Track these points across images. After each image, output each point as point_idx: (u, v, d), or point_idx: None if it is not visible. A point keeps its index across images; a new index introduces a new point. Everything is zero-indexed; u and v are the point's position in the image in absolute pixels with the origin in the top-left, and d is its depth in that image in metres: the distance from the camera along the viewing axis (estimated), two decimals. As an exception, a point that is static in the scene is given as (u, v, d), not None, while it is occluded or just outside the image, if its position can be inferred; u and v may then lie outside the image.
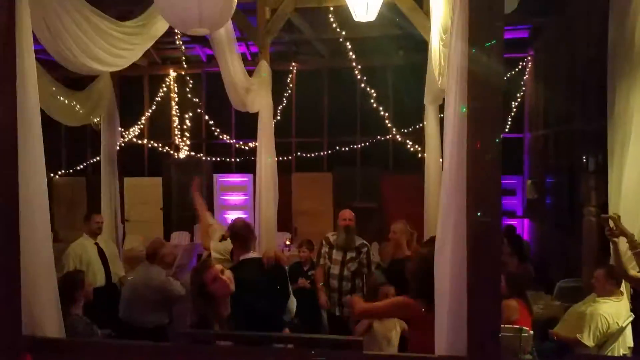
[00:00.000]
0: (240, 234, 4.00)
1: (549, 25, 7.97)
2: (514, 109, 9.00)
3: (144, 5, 5.55)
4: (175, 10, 2.26)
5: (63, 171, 10.28)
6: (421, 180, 6.45)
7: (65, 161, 10.52)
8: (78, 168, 10.34)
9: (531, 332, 3.66)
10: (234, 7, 2.50)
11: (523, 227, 9.29)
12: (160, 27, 3.05)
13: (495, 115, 2.22)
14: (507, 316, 3.72)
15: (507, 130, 8.83)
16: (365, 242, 5.21)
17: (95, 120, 6.86)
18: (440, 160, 6.03)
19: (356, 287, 5.11)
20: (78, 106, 6.38)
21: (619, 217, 3.50)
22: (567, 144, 7.34)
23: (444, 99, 5.63)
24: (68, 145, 10.58)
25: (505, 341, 3.06)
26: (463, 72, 2.26)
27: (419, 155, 8.55)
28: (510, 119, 8.95)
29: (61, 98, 6.11)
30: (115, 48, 2.93)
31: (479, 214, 2.16)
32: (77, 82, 6.66)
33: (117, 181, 6.82)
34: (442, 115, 5.86)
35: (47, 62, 4.82)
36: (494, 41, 2.19)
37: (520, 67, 9.02)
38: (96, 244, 5.65)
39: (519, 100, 9.10)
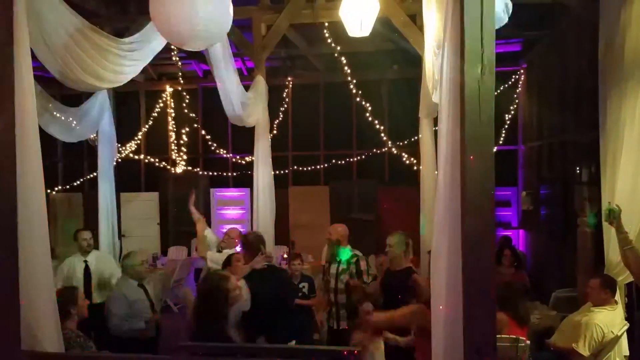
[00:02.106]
0: (254, 244, 4.09)
1: (541, 38, 8.09)
2: (508, 122, 9.09)
3: (139, 22, 5.65)
4: (171, 27, 2.31)
5: (60, 187, 10.28)
6: (417, 192, 6.49)
7: (61, 177, 10.53)
8: (75, 184, 10.34)
9: (528, 342, 3.68)
10: (230, 23, 2.55)
11: (518, 237, 9.33)
12: (158, 43, 3.11)
13: (488, 128, 2.26)
14: (498, 329, 3.71)
15: (501, 142, 8.91)
16: (356, 253, 5.17)
17: (92, 136, 6.88)
18: (436, 172, 6.08)
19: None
20: (74, 122, 6.39)
21: (620, 210, 3.59)
22: (560, 155, 7.41)
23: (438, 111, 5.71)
24: (65, 160, 10.59)
25: (501, 351, 3.07)
26: (456, 86, 2.31)
27: (415, 167, 8.62)
28: (504, 132, 9.04)
29: (57, 114, 6.13)
30: (115, 65, 2.98)
31: (472, 224, 2.20)
32: (73, 98, 6.71)
33: (114, 196, 6.82)
34: (436, 128, 5.99)
35: (42, 78, 4.85)
36: (486, 57, 2.25)
37: (513, 80, 9.13)
38: (85, 261, 5.62)
39: (512, 112, 9.19)
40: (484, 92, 2.26)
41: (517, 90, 9.21)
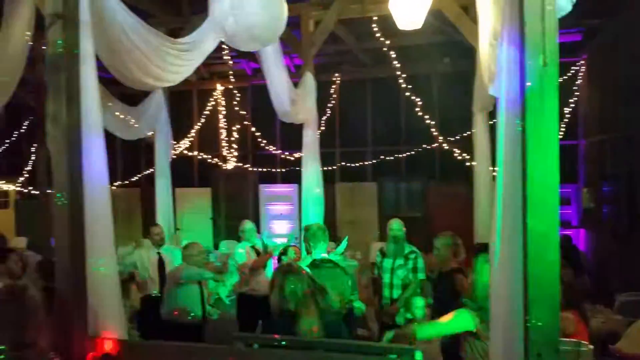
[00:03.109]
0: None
1: (603, 27, 7.69)
2: (567, 115, 8.70)
3: (193, 22, 5.78)
4: (229, 28, 2.35)
5: (119, 182, 10.74)
6: (469, 189, 6.32)
7: (120, 173, 10.99)
8: (133, 179, 10.76)
9: (591, 346, 3.50)
10: (285, 24, 2.57)
11: (578, 237, 8.93)
12: (211, 43, 3.17)
13: (552, 121, 2.17)
14: (563, 329, 3.57)
15: (560, 137, 8.51)
16: (415, 249, 5.16)
17: (149, 133, 7.13)
18: (491, 168, 5.91)
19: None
20: (133, 120, 6.66)
21: None
22: (624, 151, 7.02)
23: (494, 105, 5.53)
24: (123, 157, 11.03)
25: (562, 355, 2.94)
26: (516, 78, 2.23)
27: (467, 164, 8.40)
28: (563, 126, 8.65)
29: (117, 113, 6.39)
30: (170, 64, 3.07)
31: (535, 223, 2.11)
32: (131, 97, 6.96)
33: (170, 192, 7.05)
34: (492, 122, 5.80)
35: (102, 79, 5.06)
36: (548, 47, 2.15)
37: (572, 71, 8.73)
38: (158, 253, 5.85)
39: (572, 106, 8.79)
40: (547, 84, 2.17)
41: (577, 83, 8.80)
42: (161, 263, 5.78)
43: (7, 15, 4.22)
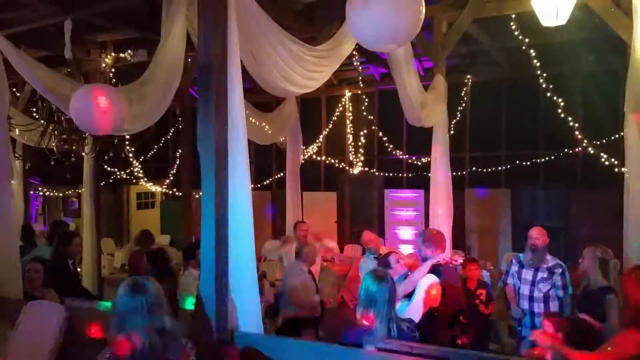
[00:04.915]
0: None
1: None
2: None
3: (325, 31, 5.98)
4: (368, 29, 2.41)
5: (252, 185, 11.46)
6: (617, 198, 5.68)
7: (253, 176, 11.74)
8: (265, 183, 11.44)
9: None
10: (421, 22, 2.56)
11: None
12: (347, 48, 3.27)
13: None
14: None
15: None
16: (560, 262, 4.77)
17: (281, 139, 7.54)
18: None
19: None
20: (267, 127, 7.08)
21: None
22: None
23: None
24: (256, 162, 11.78)
25: None
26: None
27: (615, 169, 7.57)
28: None
29: (252, 120, 6.84)
30: (308, 71, 3.22)
31: None
32: (264, 105, 7.42)
33: (299, 195, 7.36)
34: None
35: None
36: None
37: None
38: None
39: None
40: None
41: None
42: None
43: (165, 32, 4.68)
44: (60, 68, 6.70)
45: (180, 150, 10.62)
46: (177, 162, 11.51)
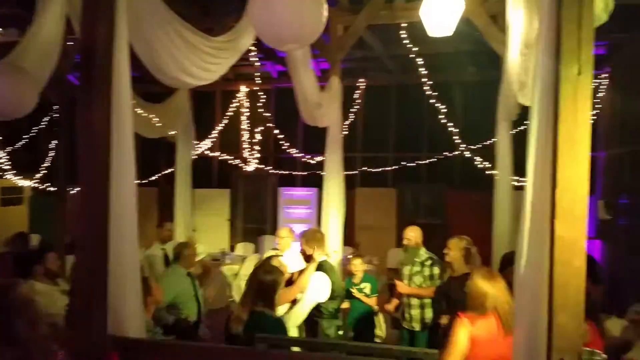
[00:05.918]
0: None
1: (629, 41, 7.60)
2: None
3: (223, 23, 5.84)
4: (271, 27, 2.39)
5: (137, 182, 10.79)
6: (489, 198, 6.26)
7: (139, 172, 11.07)
8: (152, 179, 10.87)
9: (604, 355, 3.44)
10: (325, 23, 2.59)
11: (594, 248, 8.82)
12: (246, 42, 3.20)
13: (584, 132, 2.16)
14: None
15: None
16: (432, 256, 5.20)
17: (171, 132, 7.21)
18: (511, 177, 5.86)
19: (423, 302, 5.12)
20: (156, 119, 6.73)
21: None
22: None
23: (517, 114, 5.47)
24: (143, 156, 11.13)
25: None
26: (549, 86, 2.22)
27: (488, 172, 8.34)
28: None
29: (139, 111, 6.46)
30: (205, 62, 3.10)
31: (564, 230, 2.10)
32: (154, 96, 7.00)
33: (189, 192, 7.10)
34: (513, 131, 5.76)
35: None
36: (583, 56, 2.14)
37: (594, 84, 8.62)
38: (163, 249, 5.92)
39: (593, 118, 8.68)
40: (581, 93, 2.16)
41: (599, 96, 8.70)
42: (167, 260, 5.85)
43: (39, 11, 4.21)
44: None
45: (56, 141, 9.70)
46: (51, 154, 10.52)
